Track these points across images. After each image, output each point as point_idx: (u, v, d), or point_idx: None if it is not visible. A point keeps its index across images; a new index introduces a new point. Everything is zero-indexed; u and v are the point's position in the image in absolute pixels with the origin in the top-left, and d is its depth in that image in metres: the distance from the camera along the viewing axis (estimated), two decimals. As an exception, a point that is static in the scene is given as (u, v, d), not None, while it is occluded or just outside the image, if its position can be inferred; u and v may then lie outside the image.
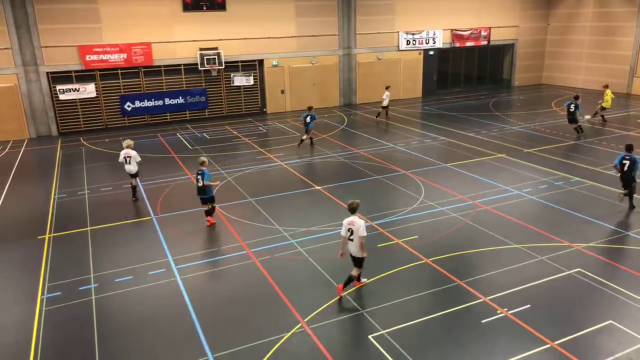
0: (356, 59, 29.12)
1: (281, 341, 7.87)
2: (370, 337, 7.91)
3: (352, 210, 8.89)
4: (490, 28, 32.40)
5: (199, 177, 12.12)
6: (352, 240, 8.81)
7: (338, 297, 9.01)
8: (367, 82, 29.73)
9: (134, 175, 14.46)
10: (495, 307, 8.58)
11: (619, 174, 12.72)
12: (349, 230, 8.81)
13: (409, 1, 29.62)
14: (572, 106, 19.77)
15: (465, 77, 33.62)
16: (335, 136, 21.69)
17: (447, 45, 31.51)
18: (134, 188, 14.53)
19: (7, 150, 21.13)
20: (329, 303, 8.86)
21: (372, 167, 16.94)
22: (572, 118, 19.91)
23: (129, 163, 14.26)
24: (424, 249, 10.81)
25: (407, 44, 30.29)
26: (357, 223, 8.73)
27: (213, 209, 12.54)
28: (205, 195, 12.29)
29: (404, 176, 15.83)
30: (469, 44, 32.11)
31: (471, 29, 31.87)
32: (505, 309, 8.51)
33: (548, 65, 34.96)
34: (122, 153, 14.36)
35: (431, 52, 31.17)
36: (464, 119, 24.25)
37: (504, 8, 32.59)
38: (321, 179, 15.71)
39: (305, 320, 8.38)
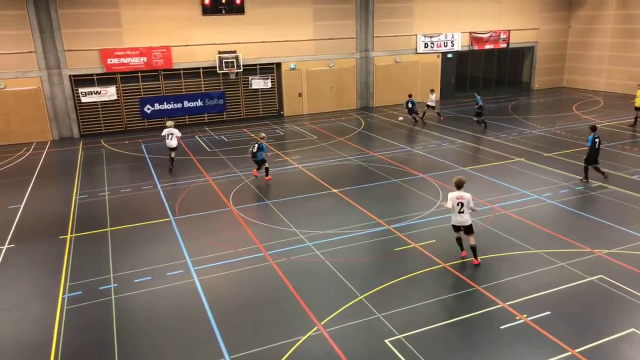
0: (374, 62, 29.09)
1: (297, 344, 7.88)
2: (386, 341, 7.87)
3: (460, 186, 9.98)
4: (509, 31, 32.06)
5: (255, 145, 15.70)
6: (462, 212, 9.91)
7: (474, 264, 10.08)
8: (385, 85, 29.66)
9: (174, 149, 17.44)
10: (514, 313, 8.46)
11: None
12: (458, 204, 9.88)
13: (428, 4, 29.50)
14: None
15: (484, 80, 33.30)
16: (352, 139, 21.67)
17: (466, 48, 31.28)
18: (172, 160, 17.55)
19: (30, 151, 21.60)
20: (345, 306, 8.85)
21: (390, 170, 16.87)
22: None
23: (171, 139, 17.26)
24: (441, 253, 10.73)
25: (425, 47, 30.15)
26: (467, 196, 9.92)
27: (267, 169, 15.91)
28: (257, 159, 15.82)
29: (421, 179, 15.73)
30: (487, 46, 31.83)
31: (490, 31, 31.58)
32: (525, 315, 8.39)
33: (569, 68, 34.45)
34: (166, 131, 17.41)
35: (449, 55, 30.97)
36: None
37: (523, 10, 32.23)
38: (338, 182, 15.71)
39: (322, 323, 8.38)
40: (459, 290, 9.26)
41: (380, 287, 9.45)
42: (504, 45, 32.24)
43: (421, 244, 11.21)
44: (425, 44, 30.09)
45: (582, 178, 14.98)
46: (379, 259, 10.73)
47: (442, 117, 25.50)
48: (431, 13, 29.73)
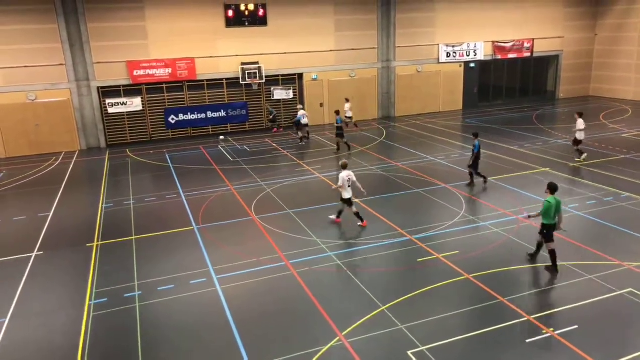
0: (395, 71, 29.08)
1: (319, 354, 7.85)
2: (409, 352, 7.79)
3: (345, 167, 12.79)
4: (533, 39, 31.70)
5: (338, 117, 20.63)
6: (350, 187, 12.57)
7: (363, 226, 12.75)
8: (407, 95, 29.60)
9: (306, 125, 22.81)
10: (540, 327, 8.28)
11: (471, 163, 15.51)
12: (348, 180, 12.53)
13: (450, 14, 29.42)
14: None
15: (508, 90, 32.94)
16: (373, 149, 21.64)
17: (489, 58, 31.03)
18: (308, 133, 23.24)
19: (59, 161, 22.18)
20: (367, 317, 8.79)
21: (412, 180, 16.78)
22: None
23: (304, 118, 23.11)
24: (465, 264, 10.59)
25: (448, 57, 30.02)
26: (352, 174, 12.67)
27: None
28: (339, 131, 20.72)
29: (444, 190, 15.59)
30: (511, 55, 31.51)
31: (513, 40, 31.28)
32: (552, 329, 8.20)
33: (596, 76, 33.82)
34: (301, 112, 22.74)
35: (472, 65, 30.76)
36: (506, 132, 23.72)
37: (547, 19, 31.85)
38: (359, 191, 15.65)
39: (344, 333, 8.34)
40: (484, 302, 9.11)
41: (403, 298, 9.37)
42: (527, 54, 31.87)
43: (444, 254, 11.09)
44: (448, 53, 29.97)
45: (468, 182, 15.74)
46: (402, 269, 10.65)
47: (357, 127, 26.06)
48: (453, 22, 29.63)
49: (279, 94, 27.10)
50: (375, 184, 16.69)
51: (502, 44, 31.08)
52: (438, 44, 29.69)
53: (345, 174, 12.57)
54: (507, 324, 8.43)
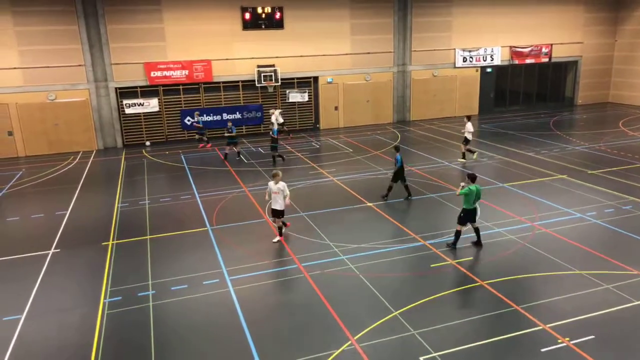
0: (411, 75, 28.99)
1: (331, 357, 7.83)
2: (421, 358, 7.72)
3: (275, 177, 12.21)
4: (551, 45, 31.37)
5: (274, 129, 20.21)
6: (277, 199, 12.12)
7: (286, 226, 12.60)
8: (422, 99, 29.47)
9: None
10: (555, 336, 8.15)
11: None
12: (277, 192, 12.08)
13: (467, 18, 29.25)
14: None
15: (524, 95, 32.61)
16: (388, 153, 21.57)
17: (506, 63, 30.77)
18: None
19: (77, 160, 22.50)
20: (379, 322, 8.74)
21: (426, 185, 16.68)
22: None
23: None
24: (479, 271, 10.49)
25: (464, 61, 29.84)
26: (281, 186, 12.11)
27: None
28: (273, 144, 19.80)
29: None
30: (528, 61, 31.21)
31: (531, 45, 30.98)
32: (567, 339, 8.07)
33: (615, 83, 33.33)
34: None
35: (489, 69, 30.53)
36: (523, 138, 23.47)
37: (566, 24, 31.49)
38: (373, 195, 15.63)
39: (355, 338, 8.31)
40: (498, 310, 9.00)
41: (416, 303, 9.31)
42: (545, 60, 31.55)
43: (458, 261, 10.99)
44: (464, 58, 29.79)
45: (384, 195, 15.22)
46: (415, 275, 10.58)
47: (290, 136, 25.76)
48: (470, 27, 29.45)
49: (294, 96, 27.19)
50: (389, 188, 16.62)
51: (520, 49, 30.80)
52: (454, 49, 29.52)
53: (272, 184, 12.20)
54: (522, 332, 8.31)
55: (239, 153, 21.52)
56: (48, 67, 23.11)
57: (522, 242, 11.86)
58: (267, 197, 12.51)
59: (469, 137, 19.64)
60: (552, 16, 30.98)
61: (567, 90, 33.51)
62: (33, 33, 22.59)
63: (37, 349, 8.42)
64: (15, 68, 22.70)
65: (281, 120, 24.40)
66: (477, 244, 11.68)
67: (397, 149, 15.36)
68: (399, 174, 15.01)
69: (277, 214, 12.32)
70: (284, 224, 12.65)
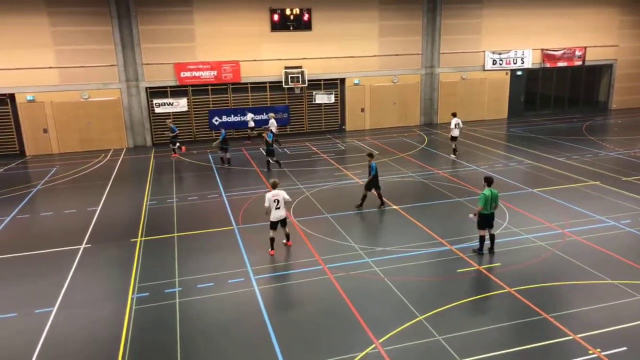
0: (439, 78, 28.69)
1: (354, 360, 7.81)
2: (446, 365, 7.62)
3: (275, 186, 11.52)
4: (585, 47, 30.59)
5: (269, 134, 19.33)
6: (279, 208, 11.36)
7: (288, 245, 11.89)
8: (450, 102, 29.13)
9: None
10: (586, 347, 7.93)
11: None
12: (275, 201, 11.29)
13: (497, 20, 28.80)
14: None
15: (556, 99, 31.90)
16: (414, 155, 21.40)
17: (537, 66, 30.15)
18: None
19: (108, 158, 23.05)
20: (404, 326, 8.67)
21: (452, 188, 16.47)
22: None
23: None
24: (507, 277, 10.29)
25: (494, 64, 29.38)
26: (281, 194, 11.39)
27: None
28: (269, 148, 19.34)
29: (486, 200, 15.19)
30: (561, 64, 30.52)
31: (564, 48, 30.28)
32: (598, 350, 7.84)
33: (652, 87, 32.29)
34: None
35: (519, 73, 29.98)
36: (554, 143, 22.96)
37: (600, 27, 30.66)
38: (398, 198, 15.52)
39: (380, 341, 8.25)
40: (526, 318, 8.81)
41: (441, 308, 9.19)
42: (579, 63, 30.79)
43: (485, 266, 10.81)
44: (494, 60, 29.33)
45: (358, 205, 14.71)
46: (440, 279, 10.46)
47: (250, 141, 25.35)
48: (500, 29, 28.98)
49: (321, 98, 27.23)
50: (416, 191, 16.49)
51: (552, 52, 30.14)
52: (484, 51, 29.10)
53: (271, 194, 11.36)
54: (551, 341, 8.11)
55: (228, 160, 20.69)
56: (82, 66, 23.75)
57: (552, 249, 11.59)
58: (268, 210, 11.39)
59: (455, 134, 20.75)
60: (586, 19, 30.21)
61: (601, 94, 32.63)
62: (68, 33, 23.25)
63: (67, 340, 8.64)
64: (51, 67, 23.40)
65: (252, 124, 25.06)
66: (491, 250, 11.40)
67: (371, 156, 14.74)
68: (372, 183, 14.47)
69: (284, 222, 11.71)
70: (288, 237, 12.06)
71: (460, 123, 20.97)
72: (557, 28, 29.86)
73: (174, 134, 22.45)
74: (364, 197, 14.63)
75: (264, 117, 26.52)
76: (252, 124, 24.96)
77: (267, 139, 19.46)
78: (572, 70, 31.33)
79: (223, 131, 20.83)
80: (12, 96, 23.44)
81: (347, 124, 28.12)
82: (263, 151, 21.43)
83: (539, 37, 29.75)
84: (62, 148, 24.40)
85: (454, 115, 21.17)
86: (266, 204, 11.37)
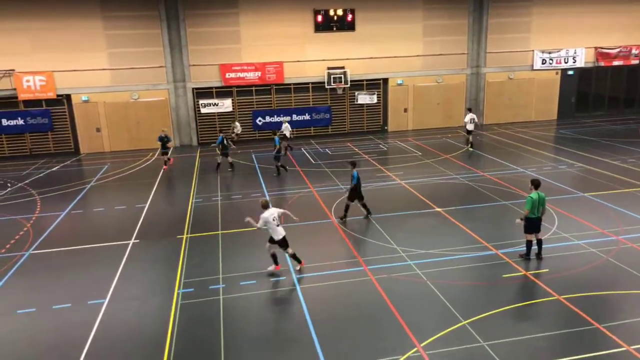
0: (485, 78, 28.01)
1: (396, 363, 7.73)
2: (491, 372, 7.44)
3: (267, 206, 10.66)
4: (643, 45, 29.10)
5: (276, 138, 18.99)
6: (279, 225, 10.70)
7: (302, 265, 10.98)
8: (496, 103, 28.40)
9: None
10: (642, 360, 7.55)
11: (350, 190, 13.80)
12: (273, 219, 10.59)
13: (548, 19, 27.82)
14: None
15: (610, 100, 30.48)
16: (459, 157, 20.99)
17: (590, 65, 28.92)
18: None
19: (155, 156, 23.82)
20: (447, 330, 8.52)
21: (499, 191, 16.04)
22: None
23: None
24: (555, 284, 9.92)
25: (543, 63, 28.41)
26: (277, 211, 10.77)
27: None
28: (277, 154, 18.87)
29: (534, 204, 14.71)
30: (616, 63, 29.14)
31: (620, 46, 28.91)
32: (655, 364, 7.44)
33: None
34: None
35: (570, 72, 28.84)
36: (607, 145, 21.96)
37: (661, 23, 29.07)
38: (442, 200, 15.27)
39: (422, 345, 8.15)
40: (576, 327, 8.47)
41: (486, 314, 8.97)
42: (635, 62, 29.30)
43: (532, 272, 10.48)
44: (543, 60, 28.35)
45: (341, 217, 13.95)
46: (485, 284, 10.20)
47: (235, 145, 23.02)
48: (551, 27, 27.98)
49: (363, 98, 27.14)
50: (460, 194, 16.16)
51: (606, 50, 28.84)
52: (533, 50, 28.19)
53: (268, 214, 10.54)
54: (603, 352, 7.77)
55: (231, 164, 20.17)
56: (133, 68, 24.65)
57: (605, 256, 11.09)
58: (258, 227, 10.60)
59: (470, 127, 21.94)
60: (644, 15, 28.74)
61: (660, 94, 30.94)
62: (121, 36, 24.19)
63: (117, 332, 8.98)
64: (104, 69, 24.42)
65: (239, 130, 24.88)
66: (538, 256, 11.04)
67: (353, 164, 13.87)
68: (355, 192, 13.73)
69: (284, 243, 10.82)
70: (298, 260, 11.09)
71: (475, 118, 22.37)
72: (612, 25, 28.53)
73: (168, 142, 21.20)
74: (347, 207, 13.87)
75: (306, 117, 26.71)
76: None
77: (275, 143, 19.00)
78: (629, 70, 29.86)
79: (220, 136, 19.97)
80: (68, 97, 24.63)
81: (390, 124, 27.90)
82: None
83: (592, 35, 28.53)
84: (113, 146, 25.42)
85: (470, 110, 23.17)
86: (259, 225, 10.52)
